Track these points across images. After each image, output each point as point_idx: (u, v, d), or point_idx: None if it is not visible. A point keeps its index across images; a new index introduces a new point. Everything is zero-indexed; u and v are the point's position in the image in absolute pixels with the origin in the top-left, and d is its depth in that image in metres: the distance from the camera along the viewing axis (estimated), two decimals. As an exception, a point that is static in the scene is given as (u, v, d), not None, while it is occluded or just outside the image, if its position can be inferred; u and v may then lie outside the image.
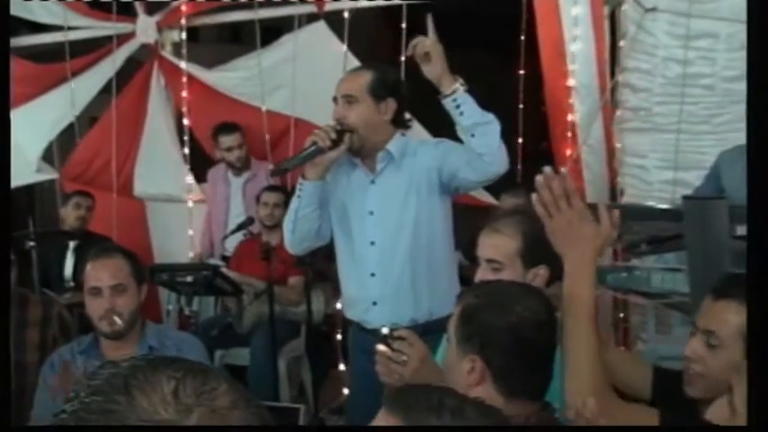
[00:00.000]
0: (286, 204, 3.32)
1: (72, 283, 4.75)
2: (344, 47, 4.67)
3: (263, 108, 4.90)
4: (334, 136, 2.59)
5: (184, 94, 5.03)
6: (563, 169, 3.79)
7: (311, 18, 4.83)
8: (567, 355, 1.68)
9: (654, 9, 3.98)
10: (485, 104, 2.55)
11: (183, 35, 5.09)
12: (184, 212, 5.15)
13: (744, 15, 3.77)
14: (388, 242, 2.69)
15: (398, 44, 4.35)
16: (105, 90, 5.23)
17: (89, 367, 2.42)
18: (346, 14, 4.67)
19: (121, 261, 2.53)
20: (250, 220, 4.49)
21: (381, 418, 1.04)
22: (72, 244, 4.89)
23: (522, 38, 4.37)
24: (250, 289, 4.05)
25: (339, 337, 4.11)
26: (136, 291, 2.53)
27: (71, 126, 5.33)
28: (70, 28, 5.15)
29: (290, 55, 4.81)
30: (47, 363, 2.59)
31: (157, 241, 5.35)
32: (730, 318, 1.65)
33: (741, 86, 3.31)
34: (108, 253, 2.59)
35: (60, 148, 5.70)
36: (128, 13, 5.16)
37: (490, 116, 2.53)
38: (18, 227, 4.53)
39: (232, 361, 4.39)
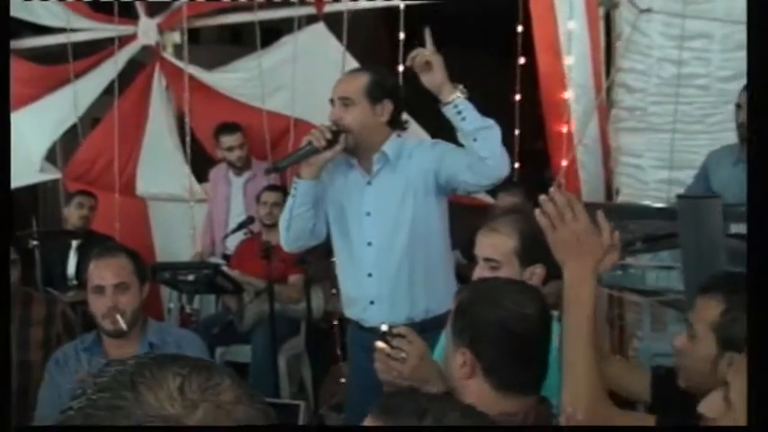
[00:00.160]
0: (285, 203, 3.34)
1: (75, 282, 4.76)
2: (343, 48, 4.69)
3: (264, 108, 4.92)
4: (329, 136, 2.60)
5: (186, 95, 5.05)
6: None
7: (311, 19, 4.85)
8: (566, 364, 1.69)
9: (649, 10, 3.99)
10: (481, 104, 2.56)
11: (184, 37, 5.12)
12: (186, 212, 5.18)
13: (738, 16, 3.82)
14: (385, 242, 2.71)
15: (397, 44, 4.39)
16: (107, 91, 5.26)
17: (92, 364, 2.46)
18: (345, 15, 4.70)
19: (124, 260, 2.56)
20: (250, 220, 4.50)
21: (368, 423, 1.06)
22: (75, 243, 4.90)
23: (518, 39, 4.38)
24: (250, 287, 4.06)
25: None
26: (138, 289, 2.56)
27: (74, 127, 5.36)
28: (72, 30, 5.17)
29: (289, 56, 4.83)
30: (51, 359, 2.61)
31: (159, 240, 5.38)
32: (707, 312, 1.70)
33: (735, 87, 3.36)
34: (111, 252, 2.62)
35: (63, 149, 5.74)
36: (129, 15, 5.18)
37: (491, 121, 2.55)
38: (21, 226, 4.58)
39: (233, 358, 4.39)
